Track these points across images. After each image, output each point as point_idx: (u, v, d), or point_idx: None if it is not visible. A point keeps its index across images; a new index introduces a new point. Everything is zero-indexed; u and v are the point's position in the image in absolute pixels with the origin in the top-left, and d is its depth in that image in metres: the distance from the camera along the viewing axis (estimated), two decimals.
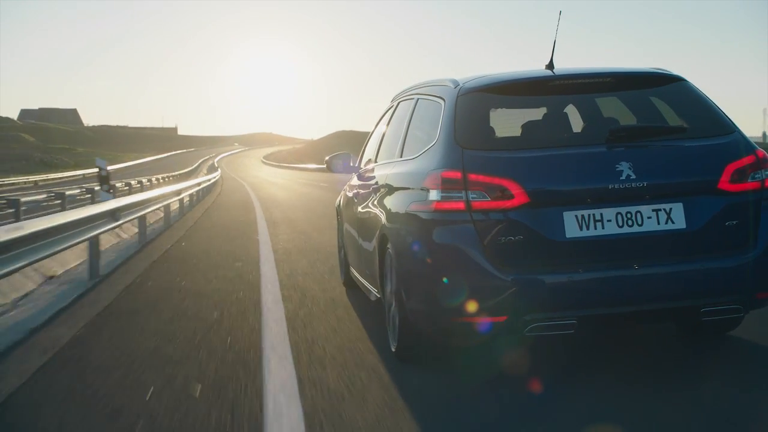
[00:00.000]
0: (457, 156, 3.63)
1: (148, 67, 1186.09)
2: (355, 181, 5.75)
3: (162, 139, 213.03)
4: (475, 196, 3.50)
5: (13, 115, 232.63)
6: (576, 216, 3.48)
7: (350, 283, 6.22)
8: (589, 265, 3.48)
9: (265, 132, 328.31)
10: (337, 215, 6.73)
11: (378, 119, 5.78)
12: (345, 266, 6.32)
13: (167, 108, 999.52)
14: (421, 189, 3.78)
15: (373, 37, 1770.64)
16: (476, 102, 3.90)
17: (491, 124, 4.02)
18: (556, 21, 4.34)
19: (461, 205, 3.52)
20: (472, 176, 3.53)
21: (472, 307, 3.50)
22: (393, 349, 4.18)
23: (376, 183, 4.77)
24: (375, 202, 4.66)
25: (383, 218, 4.34)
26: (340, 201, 6.53)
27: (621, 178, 3.48)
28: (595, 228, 3.48)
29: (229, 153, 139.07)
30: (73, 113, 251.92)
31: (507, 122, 4.45)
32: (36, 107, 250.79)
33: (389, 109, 5.47)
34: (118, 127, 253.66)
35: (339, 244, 6.72)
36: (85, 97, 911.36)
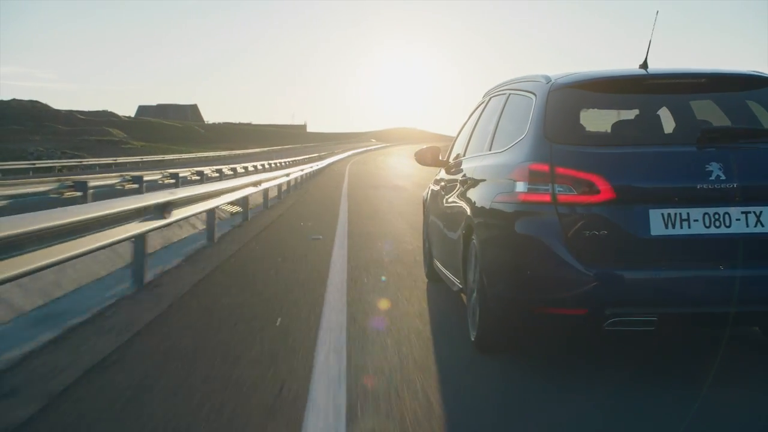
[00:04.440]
0: (546, 150, 3.70)
1: (282, 68, 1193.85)
2: (442, 174, 5.87)
3: (287, 136, 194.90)
4: (561, 189, 3.57)
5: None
6: (662, 214, 3.50)
7: (433, 276, 6.33)
8: (674, 264, 3.49)
9: (406, 127, 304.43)
10: (424, 208, 6.86)
11: (468, 115, 5.87)
12: (428, 259, 6.44)
13: (298, 106, 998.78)
14: (508, 181, 3.87)
15: (511, 35, 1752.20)
16: (567, 98, 3.97)
17: (582, 123, 4.07)
18: (653, 21, 4.33)
19: (547, 198, 3.60)
20: (560, 170, 3.60)
21: (553, 298, 3.58)
22: (472, 338, 4.27)
23: (464, 175, 4.88)
24: (461, 194, 4.77)
25: (469, 209, 4.45)
26: (426, 194, 6.66)
27: (710, 178, 3.48)
28: (682, 227, 3.49)
29: (364, 149, 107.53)
30: (192, 109, 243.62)
31: (598, 120, 4.49)
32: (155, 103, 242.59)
33: (480, 104, 5.56)
34: (240, 124, 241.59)
35: (424, 237, 6.86)
36: (216, 95, 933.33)
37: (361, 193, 21.35)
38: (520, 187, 3.72)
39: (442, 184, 5.66)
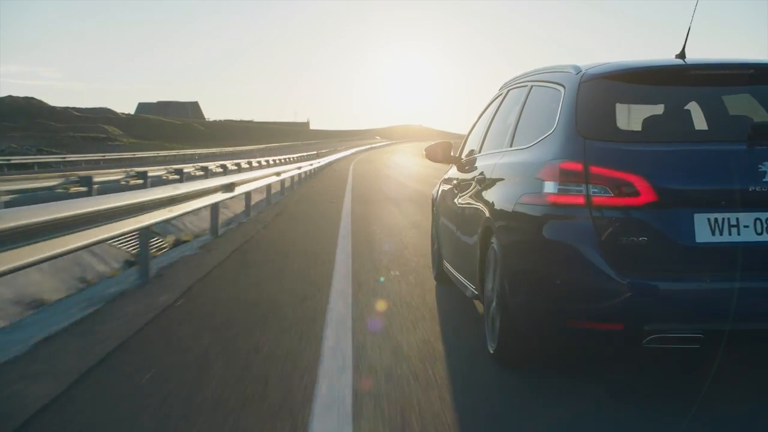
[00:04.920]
0: (579, 146, 3.35)
1: (285, 65, 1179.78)
2: (454, 172, 5.52)
3: (289, 134, 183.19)
4: (596, 190, 3.22)
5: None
6: (709, 219, 3.15)
7: (442, 278, 5.99)
8: (721, 274, 3.14)
9: (410, 125, 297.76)
10: (433, 207, 6.51)
11: (483, 108, 5.51)
12: (438, 260, 6.10)
13: (301, 104, 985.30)
14: (535, 180, 3.51)
15: (516, 33, 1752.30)
16: (600, 90, 3.61)
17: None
18: (693, 7, 3.97)
19: (580, 200, 3.25)
20: (595, 169, 3.25)
21: (585, 310, 3.24)
22: (491, 351, 3.93)
23: (481, 174, 4.52)
24: (478, 194, 4.41)
25: (487, 210, 4.10)
26: (436, 193, 6.31)
27: (764, 179, 3.14)
28: (730, 234, 3.14)
29: (369, 147, 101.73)
30: (193, 106, 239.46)
31: (625, 114, 4.12)
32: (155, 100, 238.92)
33: (497, 97, 5.20)
34: (241, 121, 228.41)
35: (433, 237, 6.51)
36: (219, 93, 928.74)
37: (372, 214, 13.14)
38: (550, 187, 3.37)
39: (455, 182, 5.30)
